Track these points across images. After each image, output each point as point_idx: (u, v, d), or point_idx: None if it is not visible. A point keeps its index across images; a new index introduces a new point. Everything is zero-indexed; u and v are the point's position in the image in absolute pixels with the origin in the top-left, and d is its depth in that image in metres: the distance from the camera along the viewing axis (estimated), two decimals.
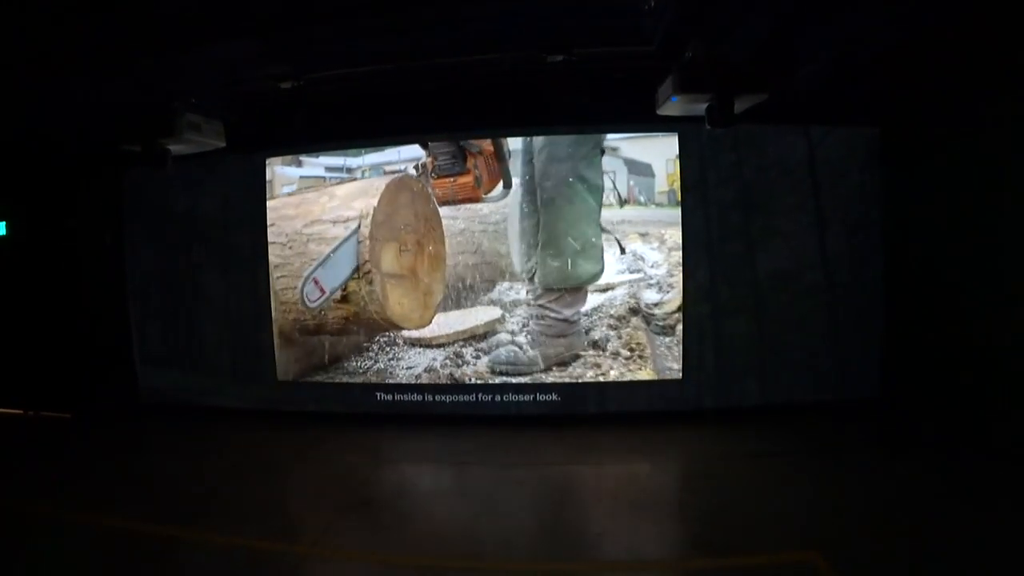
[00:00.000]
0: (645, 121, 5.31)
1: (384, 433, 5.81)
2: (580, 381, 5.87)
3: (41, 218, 6.88)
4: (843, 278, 5.76)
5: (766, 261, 5.75)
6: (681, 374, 5.81)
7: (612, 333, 5.88)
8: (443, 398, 6.08)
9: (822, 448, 4.98)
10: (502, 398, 5.99)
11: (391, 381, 6.13)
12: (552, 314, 5.87)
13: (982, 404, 4.74)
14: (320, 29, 4.36)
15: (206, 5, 3.81)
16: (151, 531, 3.81)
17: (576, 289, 5.88)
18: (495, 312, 6.06)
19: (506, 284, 6.06)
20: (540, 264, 5.85)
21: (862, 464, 4.59)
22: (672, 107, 4.20)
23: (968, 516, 3.60)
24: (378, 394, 6.17)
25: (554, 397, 5.93)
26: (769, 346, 5.78)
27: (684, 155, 5.72)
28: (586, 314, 5.90)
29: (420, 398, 6.11)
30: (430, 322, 6.09)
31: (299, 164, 6.47)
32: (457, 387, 6.04)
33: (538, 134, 5.85)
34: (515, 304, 6.04)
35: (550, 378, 5.92)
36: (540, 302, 5.89)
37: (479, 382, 6.00)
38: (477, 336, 6.08)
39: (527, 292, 5.98)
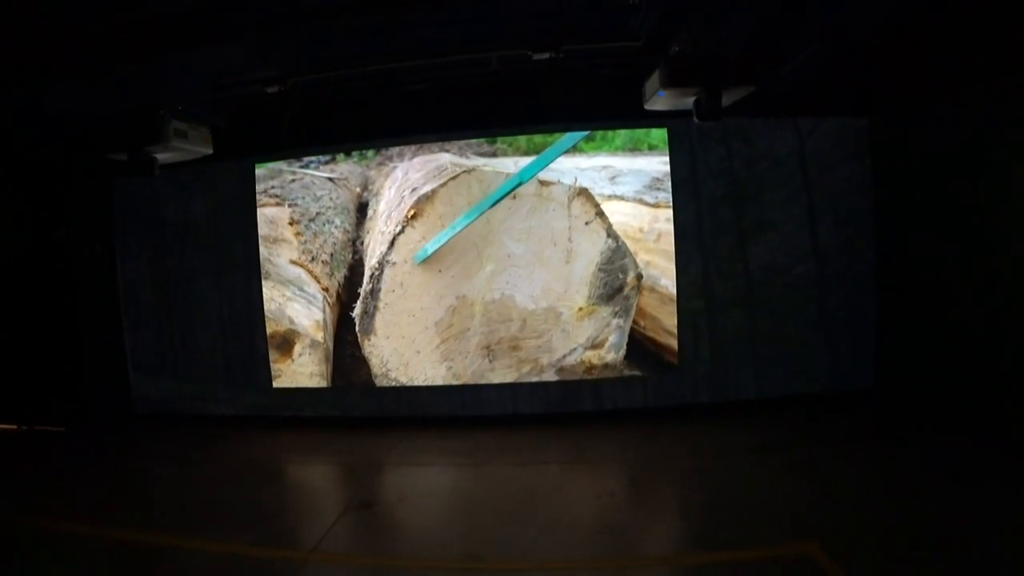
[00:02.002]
0: (633, 117, 5.30)
1: (382, 436, 5.78)
2: (575, 379, 5.86)
3: (30, 229, 6.82)
4: (835, 269, 5.77)
5: (758, 254, 5.75)
6: (676, 369, 5.81)
7: None
8: (439, 399, 6.06)
9: (818, 439, 4.98)
10: (498, 397, 5.97)
11: (399, 378, 6.10)
12: None
13: (975, 393, 4.75)
14: (305, 31, 4.33)
15: (189, 10, 3.78)
16: (147, 540, 3.78)
17: None
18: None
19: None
20: None
21: (858, 455, 4.59)
22: (660, 101, 4.19)
23: (964, 503, 3.61)
24: (375, 397, 6.15)
25: (550, 395, 5.92)
26: (763, 339, 5.79)
27: (674, 150, 5.72)
28: None
29: (417, 400, 6.09)
30: None
31: None
32: (453, 388, 6.02)
33: (526, 133, 5.84)
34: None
35: (545, 376, 5.90)
36: None
37: (475, 383, 5.98)
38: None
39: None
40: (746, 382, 5.82)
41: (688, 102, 4.12)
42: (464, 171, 5.82)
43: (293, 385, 6.35)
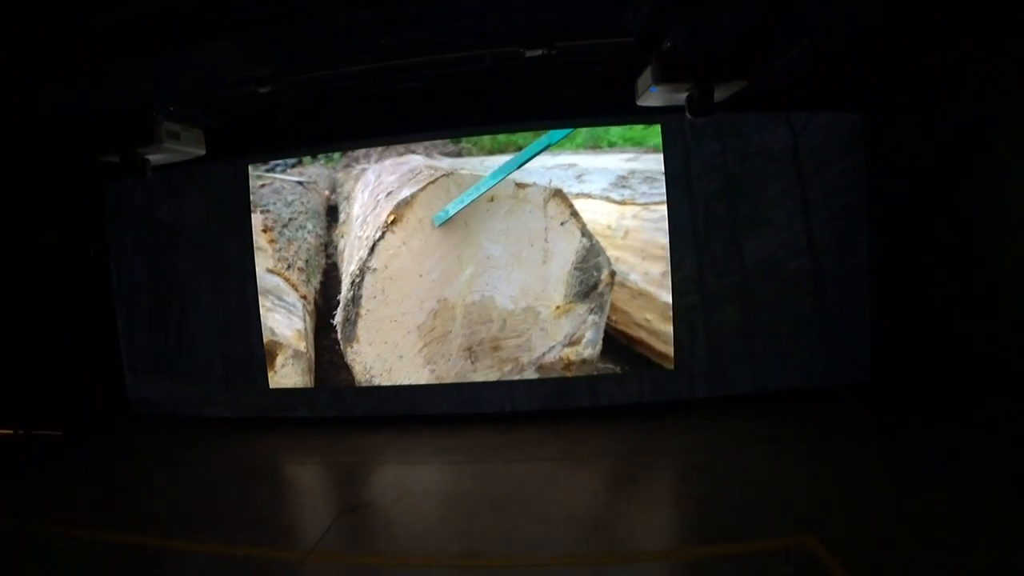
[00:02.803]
0: (626, 113, 5.32)
1: (379, 435, 5.78)
2: (572, 375, 5.87)
3: (23, 233, 6.79)
4: (830, 264, 5.79)
5: (753, 249, 5.77)
6: (673, 365, 5.83)
7: None
8: (436, 398, 6.06)
9: (814, 433, 5.00)
10: (495, 395, 5.98)
11: (383, 383, 6.10)
12: None
13: (970, 386, 4.78)
14: (298, 29, 4.32)
15: (180, 9, 3.76)
16: (147, 543, 3.77)
17: None
18: None
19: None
20: None
21: (854, 448, 4.61)
22: (652, 97, 4.19)
23: (961, 495, 3.62)
24: (371, 397, 6.15)
25: (546, 392, 5.93)
26: (759, 334, 5.80)
27: (667, 146, 5.73)
28: None
29: (413, 399, 6.09)
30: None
31: None
32: (449, 386, 6.01)
33: (520, 130, 5.84)
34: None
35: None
36: None
37: (471, 380, 5.98)
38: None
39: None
40: (742, 377, 5.83)
41: (680, 98, 4.12)
42: (443, 175, 5.84)
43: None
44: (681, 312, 5.77)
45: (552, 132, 5.78)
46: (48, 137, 5.55)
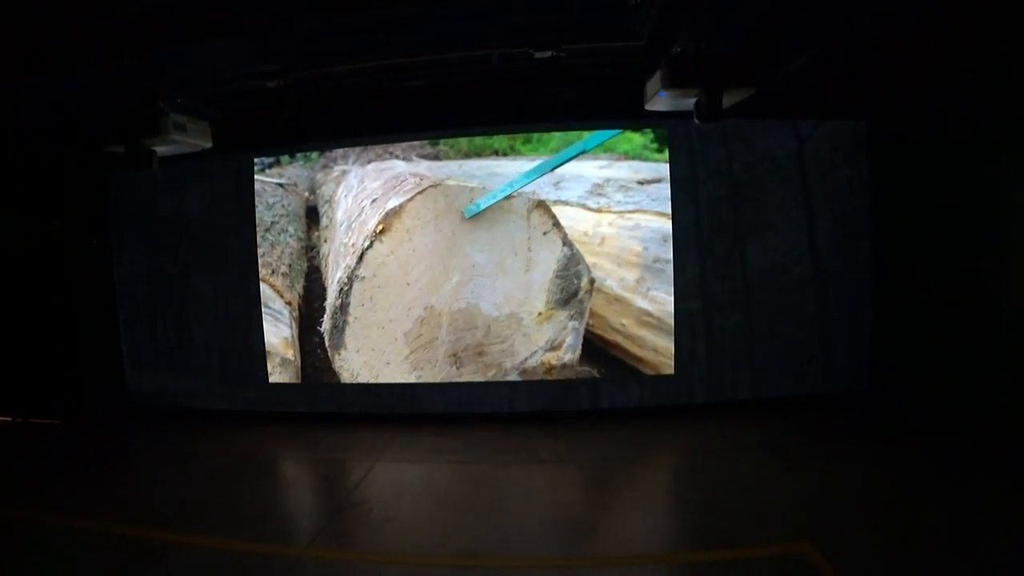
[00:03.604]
0: (633, 117, 5.31)
1: (378, 433, 5.78)
2: (572, 378, 5.88)
3: (26, 222, 6.78)
4: (833, 271, 5.79)
5: (756, 255, 5.77)
6: (673, 369, 5.83)
7: None
8: (436, 396, 6.06)
9: (813, 440, 5.00)
10: (494, 396, 5.98)
11: (382, 381, 6.11)
12: None
13: (970, 395, 4.79)
14: (306, 26, 4.33)
15: (188, 4, 3.77)
16: (145, 536, 3.77)
17: None
18: None
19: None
20: None
21: (852, 455, 4.61)
22: (660, 102, 4.18)
23: (959, 504, 3.63)
24: (370, 394, 6.15)
25: (547, 394, 5.93)
26: (760, 340, 5.81)
27: (673, 150, 5.73)
28: None
29: (412, 397, 6.10)
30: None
31: None
32: (450, 385, 6.02)
33: (525, 131, 5.85)
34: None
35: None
36: None
37: (471, 380, 5.99)
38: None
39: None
40: (742, 382, 5.84)
41: (689, 103, 4.11)
42: (431, 185, 5.89)
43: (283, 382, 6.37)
44: (682, 316, 5.78)
45: (592, 136, 5.82)
46: (55, 128, 5.56)
